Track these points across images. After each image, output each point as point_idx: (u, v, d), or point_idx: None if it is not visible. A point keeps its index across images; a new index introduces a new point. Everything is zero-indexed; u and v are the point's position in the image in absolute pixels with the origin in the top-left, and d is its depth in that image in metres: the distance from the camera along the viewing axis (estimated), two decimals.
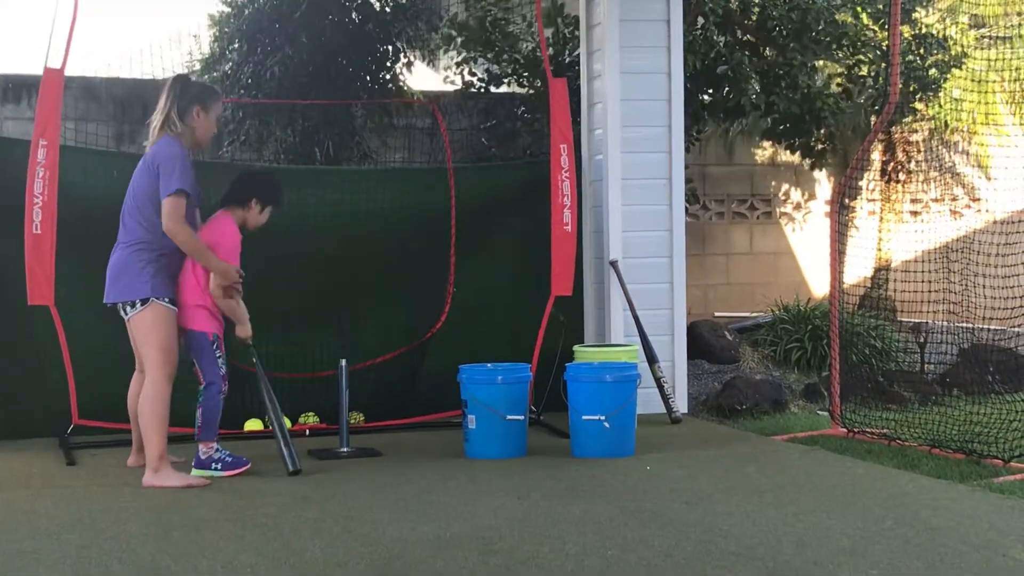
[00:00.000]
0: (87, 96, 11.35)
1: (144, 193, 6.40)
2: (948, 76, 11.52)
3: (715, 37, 10.83)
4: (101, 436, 7.69)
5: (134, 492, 6.18)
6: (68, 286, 7.41)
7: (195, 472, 6.56)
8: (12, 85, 11.33)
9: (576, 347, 8.18)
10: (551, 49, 10.79)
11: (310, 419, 8.24)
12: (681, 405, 8.74)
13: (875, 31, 11.49)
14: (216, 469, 6.58)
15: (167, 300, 6.40)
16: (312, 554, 4.83)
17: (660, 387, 8.40)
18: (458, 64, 11.91)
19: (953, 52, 11.58)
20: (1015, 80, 11.79)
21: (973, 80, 11.43)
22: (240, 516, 5.57)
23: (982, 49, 12.06)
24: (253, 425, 8.15)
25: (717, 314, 12.70)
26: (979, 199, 13.77)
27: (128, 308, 6.39)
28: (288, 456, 6.65)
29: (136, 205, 6.42)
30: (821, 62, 11.74)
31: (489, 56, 11.55)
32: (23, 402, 8.05)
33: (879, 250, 13.09)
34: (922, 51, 11.47)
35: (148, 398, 6.39)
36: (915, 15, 11.64)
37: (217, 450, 6.62)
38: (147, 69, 13.65)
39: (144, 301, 6.35)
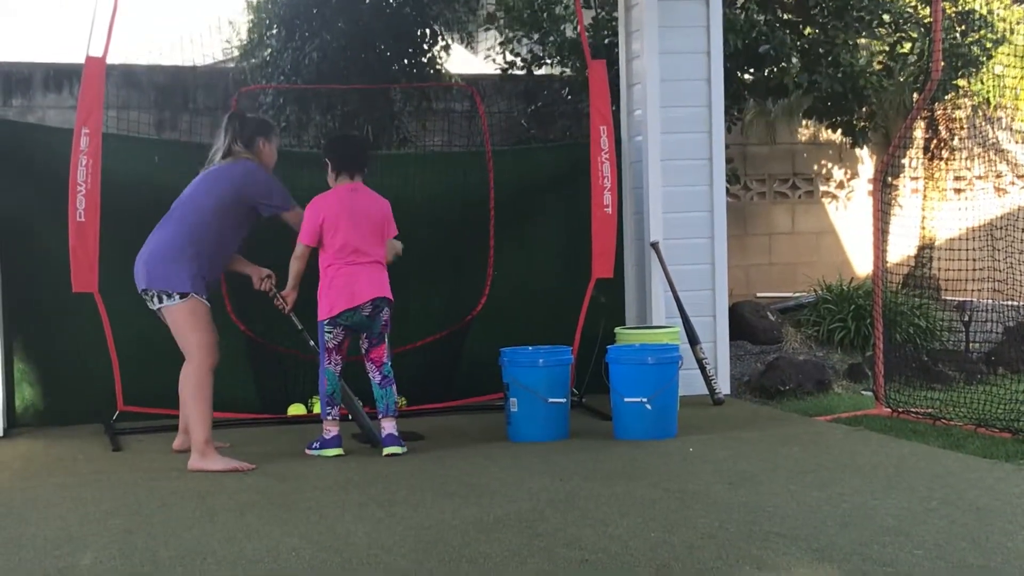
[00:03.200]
0: (128, 84, 11.42)
1: (212, 194, 6.59)
2: (993, 53, 11.41)
3: (756, 16, 10.76)
4: (146, 422, 7.75)
5: (179, 477, 6.23)
6: (111, 273, 7.45)
7: (397, 450, 6.71)
8: (54, 74, 11.42)
9: (618, 329, 8.17)
10: (590, 31, 10.76)
11: None
12: (723, 386, 8.71)
13: (917, 8, 11.40)
14: (403, 445, 6.78)
15: (204, 297, 6.48)
16: (356, 537, 4.85)
17: (702, 368, 8.38)
18: (501, 44, 11.90)
19: (999, 28, 11.46)
20: None
21: (1017, 55, 11.32)
22: (284, 500, 5.60)
23: None
24: (296, 410, 8.19)
25: (759, 295, 12.65)
26: None
27: (164, 297, 6.43)
28: (371, 431, 7.02)
29: (202, 206, 6.56)
30: (863, 40, 11.65)
31: (534, 37, 11.54)
32: (69, 389, 8.13)
33: (923, 228, 12.99)
34: (964, 28, 11.36)
35: (191, 386, 6.43)
36: None
37: None
38: (187, 57, 13.75)
39: (183, 295, 6.41)
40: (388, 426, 6.76)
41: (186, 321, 6.44)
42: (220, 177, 6.63)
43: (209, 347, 6.48)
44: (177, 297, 6.42)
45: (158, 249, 6.51)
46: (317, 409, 8.17)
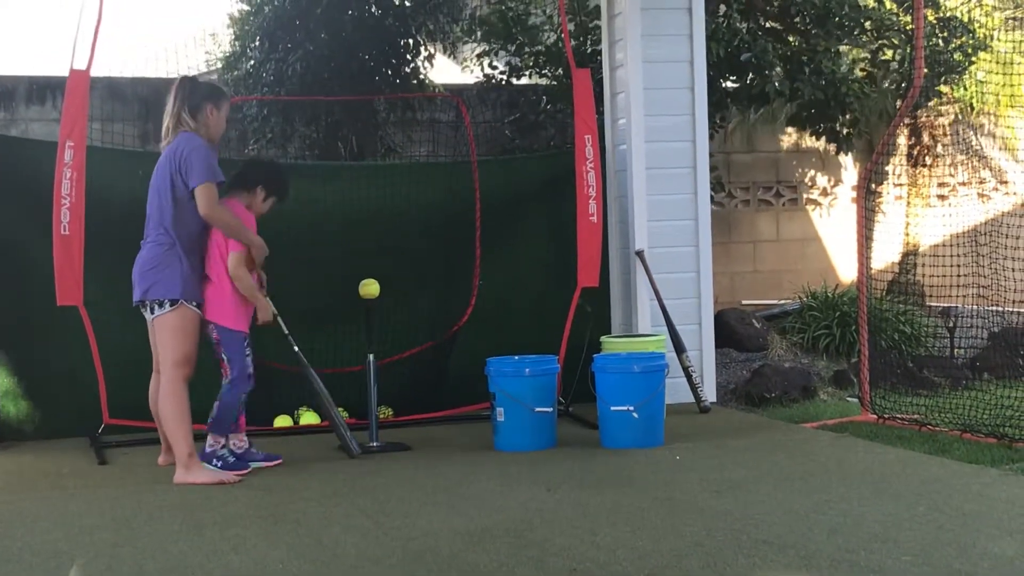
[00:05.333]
0: (112, 96, 11.41)
1: (167, 189, 6.41)
2: (974, 59, 11.46)
3: (738, 24, 10.79)
4: (132, 435, 7.72)
5: (165, 490, 6.21)
6: (96, 286, 7.44)
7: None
8: (37, 87, 11.40)
9: (603, 338, 8.17)
10: (573, 40, 10.78)
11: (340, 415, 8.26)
12: (710, 394, 8.72)
13: (899, 15, 11.44)
14: (215, 466, 6.56)
15: (195, 304, 6.42)
16: (344, 549, 4.84)
17: (688, 376, 8.39)
18: (479, 56, 11.91)
19: (980, 35, 11.51)
20: None
21: (998, 62, 11.37)
22: (271, 512, 5.59)
23: (1008, 31, 11.99)
24: (282, 422, 8.18)
25: (744, 302, 12.67)
26: (1007, 181, 13.70)
27: (156, 307, 6.38)
28: (347, 441, 6.97)
29: (160, 203, 6.43)
30: (845, 47, 11.69)
31: (510, 49, 11.55)
32: (54, 402, 8.11)
33: (907, 235, 13.04)
34: (946, 34, 11.41)
35: (168, 399, 6.39)
36: None
37: (224, 447, 6.63)
38: (171, 69, 13.76)
39: (174, 302, 6.36)
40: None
41: (172, 332, 6.39)
42: (163, 167, 6.47)
43: (186, 361, 6.40)
44: (168, 305, 6.35)
45: (145, 258, 6.45)
46: (304, 420, 8.20)
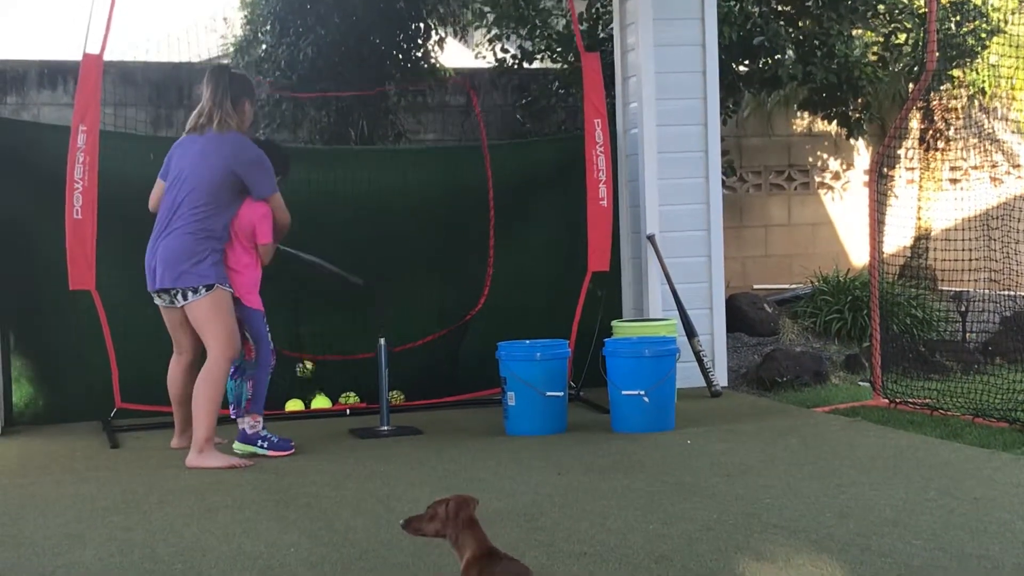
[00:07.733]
0: (124, 81, 11.41)
1: (215, 180, 6.44)
2: (987, 43, 11.42)
3: (750, 8, 10.76)
4: (144, 419, 7.75)
5: (177, 473, 6.23)
6: (108, 270, 7.45)
7: (238, 447, 6.59)
8: (48, 71, 11.40)
9: (614, 322, 8.17)
10: (584, 24, 10.76)
11: (351, 399, 8.27)
12: (721, 378, 8.72)
13: None
14: (261, 447, 6.60)
15: (227, 285, 6.45)
16: (355, 533, 4.86)
17: (699, 361, 8.38)
18: (490, 40, 11.89)
19: (993, 18, 11.46)
20: None
21: (1012, 46, 11.33)
22: (283, 496, 5.61)
23: (1022, 14, 11.94)
24: (294, 405, 8.19)
25: (756, 286, 12.65)
26: (1019, 165, 13.64)
27: (190, 293, 6.38)
28: (347, 276, 7.39)
29: (204, 191, 6.43)
30: (858, 31, 11.65)
31: (522, 32, 11.53)
32: (66, 386, 8.13)
33: (919, 219, 13.00)
34: (959, 18, 11.37)
35: (207, 380, 6.40)
36: None
37: (264, 428, 6.65)
38: (183, 53, 13.77)
39: (209, 287, 6.38)
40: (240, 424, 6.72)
41: (209, 313, 6.40)
42: (211, 152, 6.48)
43: (231, 337, 6.44)
44: (203, 291, 6.38)
45: (176, 246, 6.43)
46: (315, 404, 8.20)
